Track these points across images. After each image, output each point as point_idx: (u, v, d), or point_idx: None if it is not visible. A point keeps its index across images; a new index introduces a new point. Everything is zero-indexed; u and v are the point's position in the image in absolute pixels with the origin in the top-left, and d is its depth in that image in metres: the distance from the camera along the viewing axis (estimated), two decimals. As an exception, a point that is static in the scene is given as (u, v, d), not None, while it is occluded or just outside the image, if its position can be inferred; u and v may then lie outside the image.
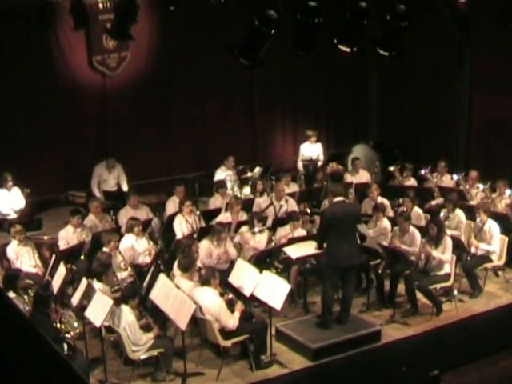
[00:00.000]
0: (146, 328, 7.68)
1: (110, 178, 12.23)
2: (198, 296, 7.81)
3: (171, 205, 10.94)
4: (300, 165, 13.55)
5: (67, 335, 7.41)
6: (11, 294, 7.76)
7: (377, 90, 15.56)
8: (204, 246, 9.29)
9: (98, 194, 11.96)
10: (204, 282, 8.00)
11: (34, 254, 9.43)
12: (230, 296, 8.08)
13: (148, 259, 9.37)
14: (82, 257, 9.49)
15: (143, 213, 10.76)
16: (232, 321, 7.69)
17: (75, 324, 7.65)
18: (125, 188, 12.21)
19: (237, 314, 7.78)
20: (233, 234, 9.93)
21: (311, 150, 13.59)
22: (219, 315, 7.66)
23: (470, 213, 10.24)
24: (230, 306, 7.90)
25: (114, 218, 10.77)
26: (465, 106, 13.62)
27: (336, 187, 9.01)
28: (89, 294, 7.77)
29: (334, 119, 15.63)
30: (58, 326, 7.51)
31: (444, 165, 11.97)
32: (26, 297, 7.99)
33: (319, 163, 13.52)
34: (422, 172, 11.92)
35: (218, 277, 8.05)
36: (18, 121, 12.36)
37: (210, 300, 7.73)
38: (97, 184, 12.14)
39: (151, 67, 13.34)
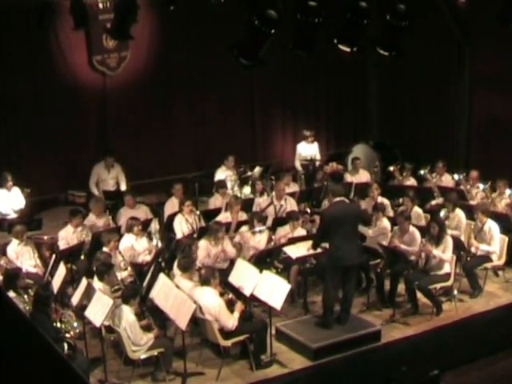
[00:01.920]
0: (146, 328, 7.69)
1: (109, 177, 12.22)
2: (198, 296, 7.81)
3: (169, 208, 10.94)
4: (298, 164, 13.54)
5: (67, 335, 7.41)
6: (11, 294, 7.77)
7: (377, 90, 15.55)
8: (202, 245, 9.29)
9: (96, 192, 11.97)
10: (204, 281, 8.00)
11: (34, 253, 9.44)
12: (230, 296, 8.09)
13: (148, 258, 9.39)
14: (82, 257, 9.49)
15: (142, 212, 10.76)
16: (231, 321, 7.69)
17: (75, 324, 7.64)
18: (123, 187, 12.20)
19: (236, 315, 7.78)
20: (233, 233, 9.93)
21: (308, 149, 13.58)
22: (219, 315, 7.66)
23: (471, 213, 10.24)
24: (230, 305, 7.90)
25: (110, 217, 10.72)
26: (465, 106, 13.62)
27: (337, 187, 9.00)
28: (89, 293, 7.78)
29: (333, 119, 15.61)
30: (58, 325, 7.51)
31: (442, 165, 11.95)
32: (25, 296, 7.99)
33: (317, 163, 13.50)
34: (422, 172, 11.92)
35: (218, 277, 8.05)
36: (17, 121, 12.34)
37: (210, 300, 7.73)
38: (95, 183, 12.14)
39: (151, 67, 13.34)
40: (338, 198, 8.41)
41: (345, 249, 8.16)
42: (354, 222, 8.47)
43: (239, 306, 7.88)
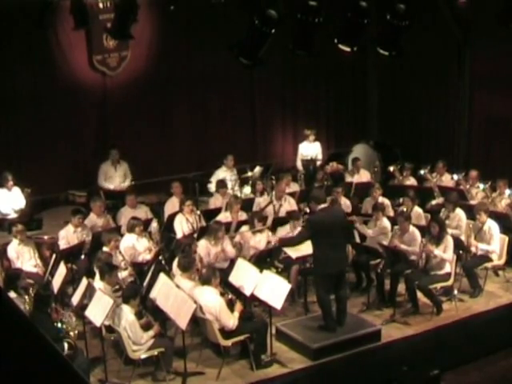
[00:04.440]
0: (146, 327, 7.69)
1: (116, 174, 12.24)
2: (199, 295, 7.81)
3: (170, 207, 10.94)
4: (299, 164, 13.53)
5: (67, 335, 7.40)
6: (12, 294, 7.75)
7: (377, 90, 15.55)
8: (202, 245, 9.29)
9: (107, 186, 11.99)
10: (205, 281, 8.00)
11: (34, 253, 9.43)
12: (230, 296, 8.08)
13: (148, 256, 9.39)
14: (83, 256, 9.48)
15: (142, 212, 10.76)
16: (232, 320, 7.69)
17: (74, 324, 7.62)
18: (125, 183, 12.20)
19: (236, 314, 7.78)
20: (233, 233, 9.93)
21: (310, 149, 13.58)
22: (219, 315, 7.67)
23: (471, 212, 10.23)
24: (230, 306, 7.90)
25: (110, 217, 10.70)
26: (465, 106, 13.62)
27: (319, 194, 8.89)
28: (89, 293, 7.78)
29: (334, 119, 15.61)
30: (59, 325, 7.49)
31: (442, 165, 11.95)
32: (26, 297, 7.97)
33: (318, 162, 13.50)
34: (422, 172, 11.93)
35: (219, 276, 8.06)
36: (18, 121, 12.35)
37: (211, 299, 7.73)
38: (103, 180, 12.17)
39: (151, 67, 13.34)
40: (322, 205, 8.36)
41: (332, 256, 8.12)
42: (340, 229, 8.42)
43: (238, 306, 7.88)
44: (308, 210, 11.15)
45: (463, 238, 9.89)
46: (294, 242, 8.88)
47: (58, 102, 12.55)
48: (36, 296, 7.63)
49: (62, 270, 8.46)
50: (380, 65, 14.47)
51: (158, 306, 7.92)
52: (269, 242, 9.74)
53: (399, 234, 9.56)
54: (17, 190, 11.17)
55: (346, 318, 8.53)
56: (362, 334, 8.38)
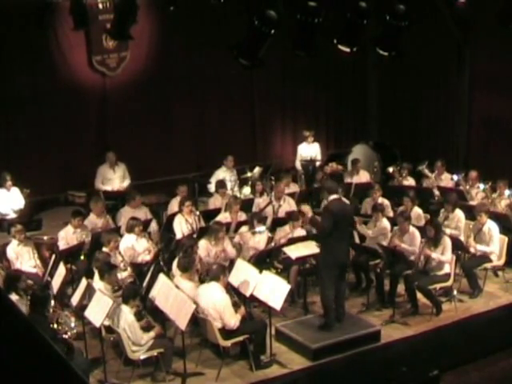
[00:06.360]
0: (146, 328, 7.68)
1: (115, 176, 12.21)
2: (205, 291, 7.82)
3: (175, 204, 10.88)
4: (298, 165, 13.53)
5: (64, 336, 7.36)
6: (13, 297, 7.72)
7: (377, 90, 15.55)
8: (202, 245, 9.29)
9: (104, 189, 11.97)
10: (213, 277, 7.97)
11: (33, 254, 9.43)
12: (235, 298, 8.08)
13: (148, 257, 9.38)
14: (82, 257, 9.47)
15: (142, 213, 10.74)
16: (234, 320, 7.69)
17: (72, 324, 7.60)
18: (125, 184, 12.17)
19: (239, 316, 7.78)
20: (232, 234, 9.93)
21: (309, 150, 13.57)
22: (223, 311, 7.67)
23: (470, 213, 10.23)
24: (234, 307, 7.89)
25: (109, 217, 10.68)
26: (465, 106, 13.62)
27: (332, 184, 8.87)
28: (89, 293, 7.77)
29: (333, 119, 15.62)
30: (55, 326, 7.45)
31: (441, 164, 11.97)
32: (27, 297, 7.93)
33: (317, 163, 13.50)
34: (420, 168, 11.98)
35: (227, 275, 8.06)
36: (17, 121, 12.34)
37: (217, 296, 7.73)
38: (101, 183, 12.14)
39: (151, 67, 13.34)
40: (334, 196, 8.37)
41: (339, 247, 8.20)
42: (348, 222, 8.53)
43: (242, 310, 7.88)
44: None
45: (462, 238, 9.89)
46: (320, 228, 8.55)
47: (57, 103, 12.54)
48: (32, 297, 7.57)
49: (61, 270, 8.46)
50: (380, 65, 14.47)
51: (157, 307, 7.91)
52: (269, 240, 9.77)
53: (399, 234, 9.55)
54: (16, 191, 11.16)
55: (344, 313, 8.57)
56: (361, 335, 8.38)
